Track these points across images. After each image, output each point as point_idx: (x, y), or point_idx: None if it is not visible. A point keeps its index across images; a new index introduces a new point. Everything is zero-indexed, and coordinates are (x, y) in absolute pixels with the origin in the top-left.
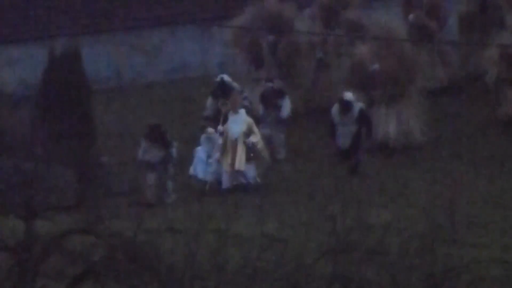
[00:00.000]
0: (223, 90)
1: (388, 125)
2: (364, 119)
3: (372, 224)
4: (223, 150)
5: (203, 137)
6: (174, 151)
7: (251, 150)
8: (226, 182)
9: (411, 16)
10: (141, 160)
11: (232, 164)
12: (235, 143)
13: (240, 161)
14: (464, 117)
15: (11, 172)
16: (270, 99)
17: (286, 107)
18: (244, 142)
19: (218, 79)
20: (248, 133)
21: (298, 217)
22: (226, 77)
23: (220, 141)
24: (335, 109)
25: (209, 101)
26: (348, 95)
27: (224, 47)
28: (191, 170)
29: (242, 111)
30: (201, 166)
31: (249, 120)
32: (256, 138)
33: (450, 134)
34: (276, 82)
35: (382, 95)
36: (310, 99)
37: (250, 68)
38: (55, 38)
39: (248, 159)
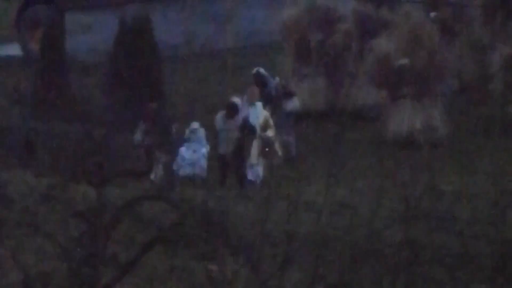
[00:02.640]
0: (259, 83)
1: (414, 120)
2: (248, 128)
3: (442, 190)
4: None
5: (187, 132)
6: (173, 136)
7: (266, 145)
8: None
9: (432, 14)
10: (139, 143)
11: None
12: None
13: (254, 155)
14: (479, 117)
15: (83, 139)
16: (278, 99)
17: (293, 104)
18: (260, 137)
19: (254, 71)
20: (264, 126)
21: (368, 184)
22: (262, 70)
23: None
24: (219, 114)
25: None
26: (236, 99)
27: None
28: (174, 167)
29: (259, 104)
30: (183, 164)
31: (266, 113)
32: (272, 133)
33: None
34: (286, 81)
35: (409, 90)
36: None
37: (296, 63)
38: (126, 5)
39: (263, 154)
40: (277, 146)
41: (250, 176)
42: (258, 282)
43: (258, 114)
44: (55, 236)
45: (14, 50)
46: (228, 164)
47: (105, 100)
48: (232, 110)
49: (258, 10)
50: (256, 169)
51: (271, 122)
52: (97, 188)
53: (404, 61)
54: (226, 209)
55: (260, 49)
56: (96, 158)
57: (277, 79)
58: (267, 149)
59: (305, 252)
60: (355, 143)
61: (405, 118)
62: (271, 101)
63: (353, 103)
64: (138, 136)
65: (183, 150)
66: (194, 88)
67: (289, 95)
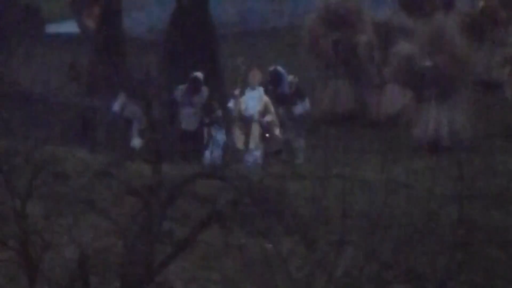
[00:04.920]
0: (274, 81)
1: (437, 123)
2: (211, 109)
3: (498, 170)
4: (236, 126)
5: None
6: (155, 108)
7: (266, 130)
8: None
9: (481, 3)
10: (119, 116)
11: (246, 142)
12: (249, 120)
13: (254, 140)
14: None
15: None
16: (290, 99)
17: (303, 106)
18: (259, 122)
19: (271, 68)
20: (264, 112)
21: (424, 163)
22: (279, 68)
23: (233, 113)
24: (181, 88)
25: None
26: (199, 74)
27: None
28: (207, 155)
29: (260, 89)
30: (217, 151)
31: (266, 98)
32: (271, 117)
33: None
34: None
35: (433, 92)
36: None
37: (318, 67)
38: None
39: (263, 139)
40: (277, 131)
41: (249, 161)
42: (313, 260)
43: (258, 98)
44: (110, 213)
45: (71, 27)
46: (189, 140)
47: (161, 78)
48: (195, 85)
49: None
50: (254, 154)
51: (271, 107)
52: (153, 165)
53: (428, 63)
54: (282, 188)
55: None
56: (152, 136)
57: (291, 77)
58: (267, 135)
59: (359, 231)
60: (382, 146)
61: (430, 121)
62: (283, 101)
63: (377, 107)
64: (116, 106)
65: (217, 134)
66: (248, 66)
67: (299, 96)
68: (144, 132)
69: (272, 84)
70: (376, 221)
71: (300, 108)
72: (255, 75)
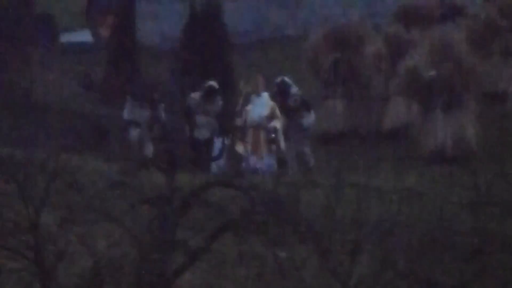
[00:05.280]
0: (281, 92)
1: (445, 133)
2: (224, 120)
3: (510, 178)
4: (242, 134)
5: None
6: (161, 112)
7: (272, 134)
8: (247, 165)
9: (483, 13)
10: (127, 119)
11: (256, 149)
12: (257, 127)
13: (265, 148)
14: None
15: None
16: (295, 111)
17: (309, 118)
18: (266, 127)
19: (278, 80)
20: (271, 117)
21: (437, 171)
22: (286, 79)
23: (238, 122)
24: (195, 95)
25: None
26: (213, 83)
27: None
28: (219, 164)
29: (265, 94)
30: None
31: (272, 103)
32: (278, 124)
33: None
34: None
35: (438, 102)
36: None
37: (319, 85)
38: None
39: (270, 143)
40: (281, 138)
41: (263, 167)
42: (328, 269)
43: (265, 104)
44: (124, 222)
45: (85, 36)
46: (202, 149)
47: (175, 86)
48: (210, 94)
49: None
50: (267, 160)
51: (277, 112)
52: (167, 174)
53: (433, 72)
54: (296, 196)
55: None
56: (166, 144)
57: (296, 89)
58: (273, 135)
59: (373, 240)
60: (394, 155)
61: (437, 131)
62: (290, 113)
63: (383, 121)
64: (125, 112)
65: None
66: (262, 75)
67: (305, 108)
68: (156, 140)
69: (280, 96)
70: (390, 230)
71: (308, 121)
72: (259, 81)
